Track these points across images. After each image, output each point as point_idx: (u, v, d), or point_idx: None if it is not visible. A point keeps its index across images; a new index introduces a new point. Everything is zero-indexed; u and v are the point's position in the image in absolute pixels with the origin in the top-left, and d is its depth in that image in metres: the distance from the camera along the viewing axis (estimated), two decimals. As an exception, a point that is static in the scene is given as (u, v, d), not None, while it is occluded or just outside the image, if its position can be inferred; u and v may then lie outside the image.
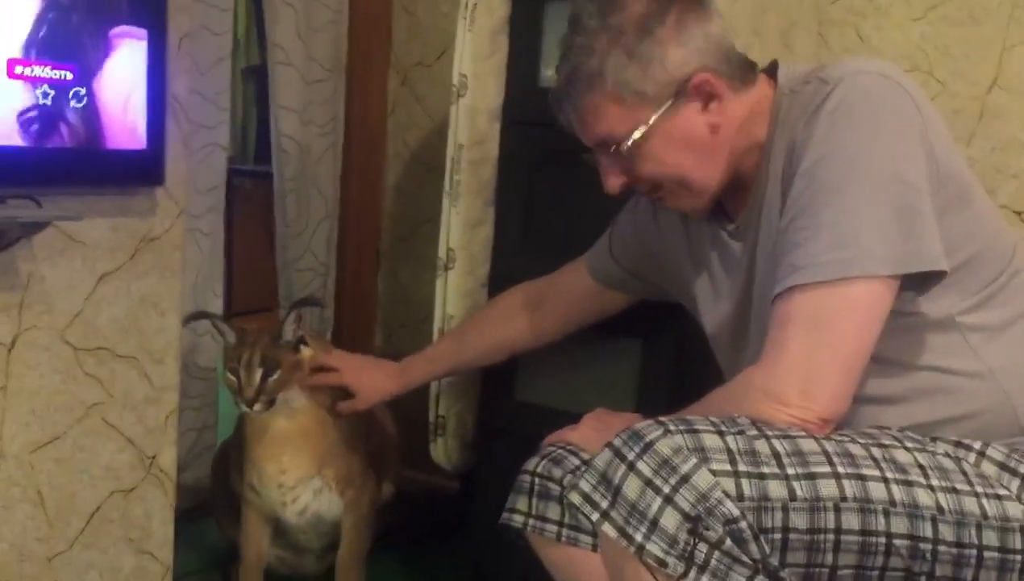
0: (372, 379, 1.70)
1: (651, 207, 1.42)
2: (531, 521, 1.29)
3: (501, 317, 1.64)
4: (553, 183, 1.75)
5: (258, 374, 1.65)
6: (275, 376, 1.66)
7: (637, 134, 1.18)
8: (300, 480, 1.76)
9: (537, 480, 1.30)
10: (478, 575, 1.88)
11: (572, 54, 1.20)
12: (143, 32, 1.47)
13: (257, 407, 1.65)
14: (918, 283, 1.08)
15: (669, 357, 1.64)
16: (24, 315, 1.48)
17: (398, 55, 2.38)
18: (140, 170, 1.54)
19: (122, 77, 1.47)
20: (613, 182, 1.24)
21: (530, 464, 1.33)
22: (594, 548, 1.25)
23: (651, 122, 1.17)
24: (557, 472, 1.29)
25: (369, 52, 2.38)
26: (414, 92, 2.36)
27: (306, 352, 1.71)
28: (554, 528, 1.28)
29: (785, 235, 1.08)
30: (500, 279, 1.79)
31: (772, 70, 1.22)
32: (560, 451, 1.30)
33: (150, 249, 1.63)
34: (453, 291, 1.80)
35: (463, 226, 1.79)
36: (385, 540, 1.98)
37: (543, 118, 1.71)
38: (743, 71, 1.20)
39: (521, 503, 1.30)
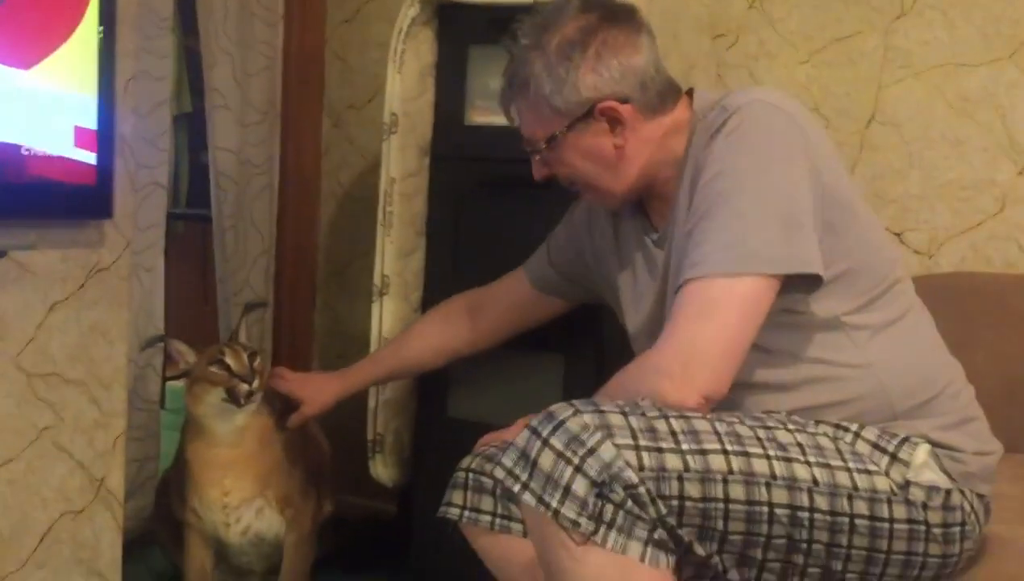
0: (315, 386, 1.80)
1: (585, 217, 1.57)
2: (466, 513, 1.40)
3: (442, 321, 1.75)
4: (480, 213, 1.90)
5: (245, 356, 1.75)
6: (258, 361, 1.77)
7: (548, 141, 1.36)
8: (243, 500, 1.83)
9: (471, 475, 1.42)
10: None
11: (510, 63, 1.38)
12: (94, 73, 1.58)
13: (256, 384, 1.74)
14: (800, 285, 1.23)
15: (590, 369, 1.78)
16: (-21, 342, 1.56)
17: (330, 99, 2.51)
18: (90, 203, 1.63)
19: (75, 116, 1.57)
20: (537, 171, 1.41)
21: (464, 462, 1.44)
22: (524, 534, 1.36)
23: (561, 133, 1.34)
24: (489, 467, 1.41)
25: (302, 96, 2.50)
26: (346, 134, 2.49)
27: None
28: (488, 518, 1.39)
29: (687, 239, 1.24)
30: (432, 303, 1.90)
31: (691, 94, 1.38)
32: (493, 449, 1.42)
33: (99, 279, 1.71)
34: (388, 315, 1.92)
35: (396, 254, 1.91)
36: (325, 565, 2.04)
37: (470, 153, 1.89)
38: (662, 97, 1.35)
39: (456, 497, 1.42)
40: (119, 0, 1.64)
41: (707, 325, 1.17)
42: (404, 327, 1.92)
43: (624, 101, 1.32)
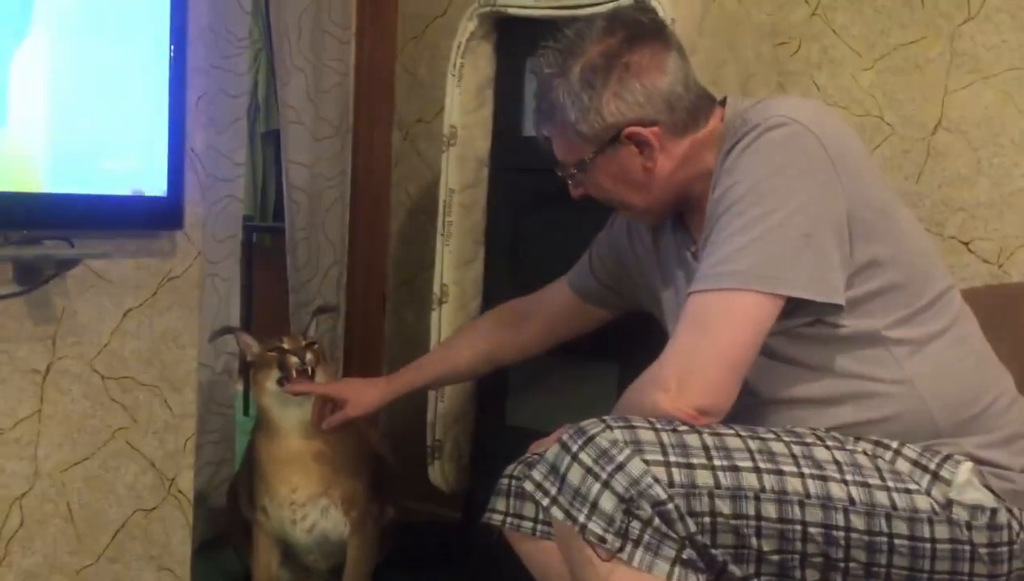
0: (359, 388, 1.83)
1: (625, 226, 1.57)
2: (508, 519, 1.42)
3: (488, 329, 1.77)
4: (537, 223, 1.92)
5: (301, 340, 1.86)
6: (315, 346, 1.86)
7: (577, 166, 1.37)
8: (310, 498, 1.89)
9: (513, 482, 1.43)
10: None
11: (538, 88, 1.39)
12: (165, 92, 1.66)
13: (309, 358, 1.82)
14: (821, 302, 1.19)
15: (643, 378, 1.78)
16: (57, 346, 1.65)
17: (400, 113, 2.57)
18: (161, 215, 1.71)
19: (146, 131, 1.65)
20: (573, 191, 1.43)
21: (508, 469, 1.46)
22: (565, 542, 1.37)
23: (589, 158, 1.35)
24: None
25: (373, 111, 2.57)
26: (415, 146, 2.54)
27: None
28: (530, 524, 1.40)
29: (702, 253, 1.24)
30: (490, 312, 1.94)
31: (723, 102, 1.37)
32: (535, 456, 1.43)
33: (171, 287, 1.79)
34: (447, 323, 1.95)
35: (455, 264, 1.95)
36: (388, 568, 2.08)
37: (527, 164, 1.91)
38: (692, 114, 1.33)
39: (500, 503, 1.43)
40: (191, 17, 1.72)
41: (705, 340, 1.16)
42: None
43: (651, 124, 1.31)
